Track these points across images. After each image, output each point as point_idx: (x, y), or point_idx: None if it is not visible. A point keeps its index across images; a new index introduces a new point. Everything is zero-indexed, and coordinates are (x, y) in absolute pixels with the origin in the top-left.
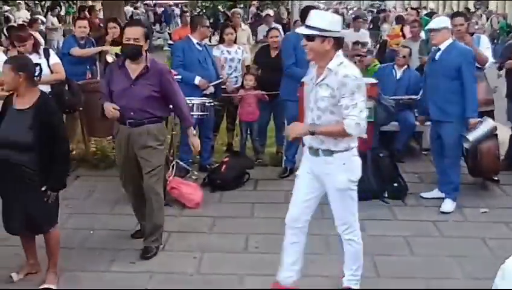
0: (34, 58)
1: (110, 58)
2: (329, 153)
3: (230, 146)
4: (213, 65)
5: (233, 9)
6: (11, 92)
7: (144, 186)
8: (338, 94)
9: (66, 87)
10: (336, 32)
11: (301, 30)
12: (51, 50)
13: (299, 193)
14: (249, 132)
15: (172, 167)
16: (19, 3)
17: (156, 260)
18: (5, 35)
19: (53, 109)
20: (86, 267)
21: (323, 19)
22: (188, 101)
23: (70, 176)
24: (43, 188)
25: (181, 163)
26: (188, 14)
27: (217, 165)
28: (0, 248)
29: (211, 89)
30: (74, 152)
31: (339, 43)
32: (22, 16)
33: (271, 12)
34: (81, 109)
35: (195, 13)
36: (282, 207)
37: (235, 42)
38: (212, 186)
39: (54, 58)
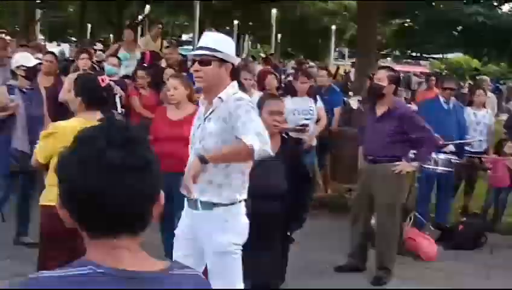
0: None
1: (354, 104)
2: (210, 206)
3: (465, 209)
4: (459, 125)
5: (479, 77)
6: None
7: (377, 222)
8: (232, 118)
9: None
10: (233, 58)
11: (196, 52)
12: None
13: (176, 256)
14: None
15: (410, 218)
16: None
17: None
18: None
19: (302, 157)
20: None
21: (220, 41)
22: (434, 156)
23: None
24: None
25: (418, 216)
26: (433, 77)
27: (454, 223)
28: None
29: (450, 148)
30: None
31: (235, 71)
32: None
33: None
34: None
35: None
36: None
37: (483, 106)
38: (446, 244)
39: None
